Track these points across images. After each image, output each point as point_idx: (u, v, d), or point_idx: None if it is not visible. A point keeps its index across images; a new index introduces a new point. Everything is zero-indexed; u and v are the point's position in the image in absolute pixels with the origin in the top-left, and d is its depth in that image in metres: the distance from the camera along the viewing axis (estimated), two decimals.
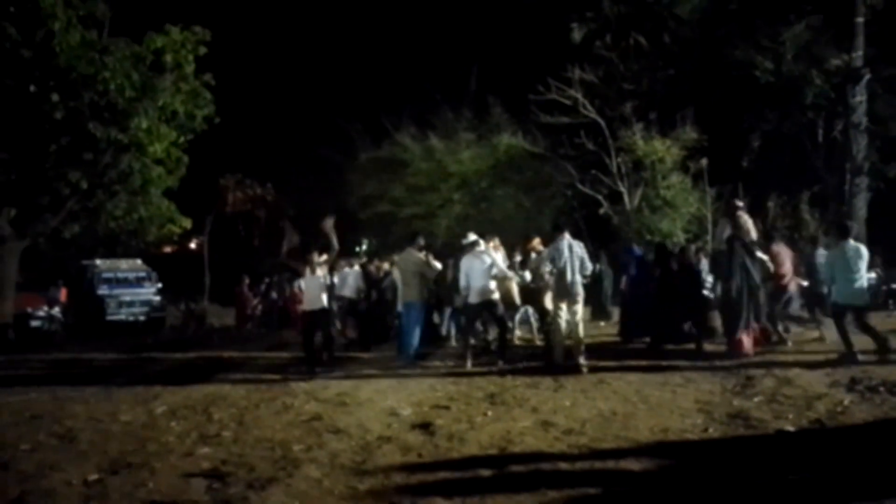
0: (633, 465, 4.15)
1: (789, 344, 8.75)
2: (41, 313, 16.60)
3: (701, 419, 5.23)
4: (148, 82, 13.61)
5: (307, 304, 9.01)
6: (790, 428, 4.89)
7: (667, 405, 5.75)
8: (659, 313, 9.15)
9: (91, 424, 5.86)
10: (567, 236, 8.21)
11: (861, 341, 7.48)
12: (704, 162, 18.16)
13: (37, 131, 13.35)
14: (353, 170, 24.20)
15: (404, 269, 9.12)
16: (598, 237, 19.32)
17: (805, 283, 9.78)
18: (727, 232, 8.36)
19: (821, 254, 10.00)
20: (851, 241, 7.73)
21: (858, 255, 7.55)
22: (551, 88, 18.50)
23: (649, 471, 4.08)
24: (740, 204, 8.70)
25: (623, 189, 19.05)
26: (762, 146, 19.31)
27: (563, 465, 4.21)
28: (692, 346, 8.76)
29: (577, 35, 20.14)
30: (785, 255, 9.19)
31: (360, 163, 23.93)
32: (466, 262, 8.62)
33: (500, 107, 21.94)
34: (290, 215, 32.58)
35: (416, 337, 8.87)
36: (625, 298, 10.82)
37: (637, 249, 10.30)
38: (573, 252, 8.07)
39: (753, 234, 8.34)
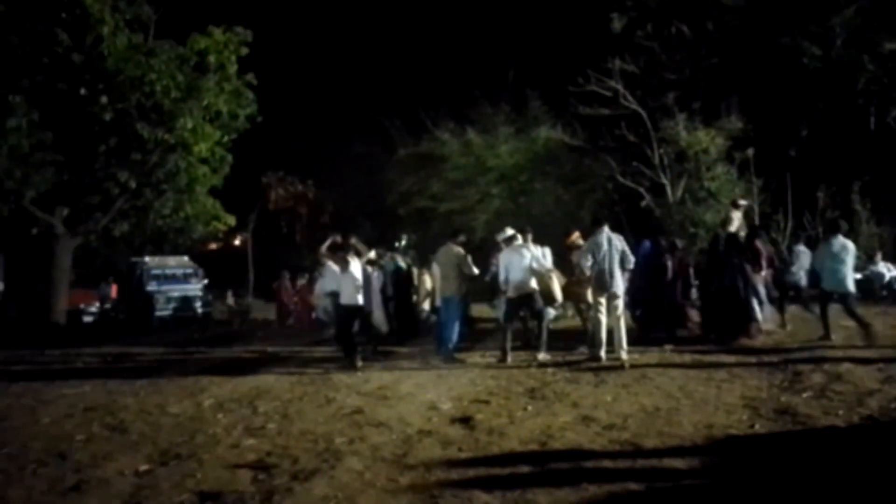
0: (676, 461, 4.09)
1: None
2: (93, 309, 17.15)
3: (747, 415, 5.12)
4: (192, 83, 13.95)
5: (344, 300, 9.12)
6: (840, 424, 4.75)
7: (711, 401, 5.64)
8: (709, 304, 9.46)
9: (142, 416, 6.06)
10: (606, 230, 8.12)
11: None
12: (750, 152, 17.71)
13: (87, 133, 13.82)
14: (392, 166, 24.36)
15: (443, 263, 9.13)
16: (640, 230, 19.04)
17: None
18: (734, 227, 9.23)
19: (801, 250, 10.62)
20: (840, 237, 8.75)
21: (845, 249, 8.62)
22: (591, 80, 18.30)
23: (694, 468, 4.01)
24: (742, 203, 9.64)
25: (665, 181, 18.73)
26: (810, 135, 18.73)
27: (605, 462, 4.17)
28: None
29: (617, 25, 19.86)
30: (763, 250, 9.80)
31: (399, 159, 24.07)
32: (505, 257, 8.61)
33: (539, 100, 21.80)
34: (330, 211, 33.05)
35: (454, 331, 8.89)
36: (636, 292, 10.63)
37: (646, 243, 10.15)
38: (613, 246, 7.97)
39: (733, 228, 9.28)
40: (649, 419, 5.12)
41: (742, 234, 9.49)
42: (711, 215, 18.14)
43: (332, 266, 9.76)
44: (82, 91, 13.23)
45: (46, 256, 14.70)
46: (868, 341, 8.05)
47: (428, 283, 11.14)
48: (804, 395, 5.71)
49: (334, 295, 10.82)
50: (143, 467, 4.43)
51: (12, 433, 5.58)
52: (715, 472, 3.98)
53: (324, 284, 12.32)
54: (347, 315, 9.01)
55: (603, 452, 4.34)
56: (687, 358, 7.96)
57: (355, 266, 8.98)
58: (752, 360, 7.57)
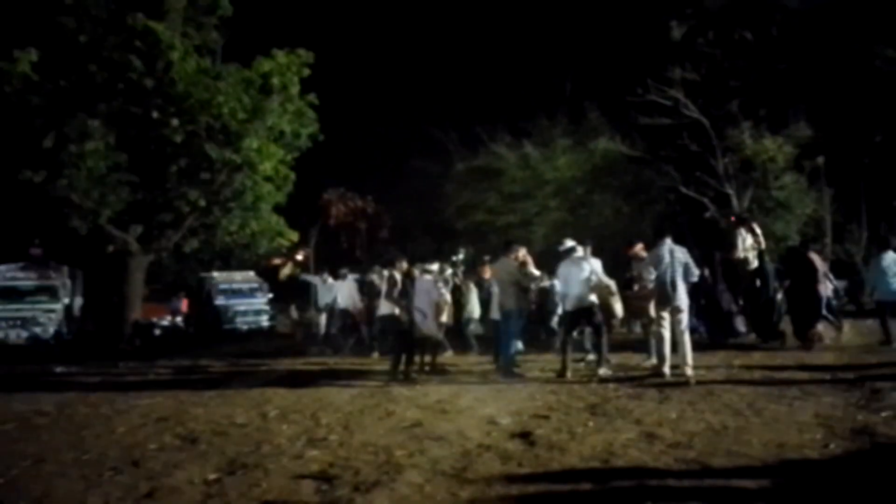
0: (746, 482, 3.93)
1: None
2: (164, 322, 17.84)
3: (821, 434, 4.89)
4: (257, 104, 14.43)
5: (383, 309, 9.62)
6: None
7: (783, 419, 5.41)
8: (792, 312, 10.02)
9: (210, 426, 6.25)
10: (669, 241, 7.93)
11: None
12: (821, 160, 17.02)
13: (159, 154, 14.47)
14: (449, 180, 24.52)
15: (501, 278, 9.11)
16: (705, 242, 18.51)
17: None
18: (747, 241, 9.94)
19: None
20: (891, 252, 9.70)
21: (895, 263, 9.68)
22: (650, 89, 17.99)
23: (764, 488, 3.86)
24: (745, 217, 10.36)
25: (731, 191, 18.20)
26: (885, 141, 17.84)
27: (670, 481, 4.05)
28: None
29: (676, 33, 19.50)
30: (818, 264, 10.32)
31: (456, 173, 24.21)
32: (564, 269, 8.52)
33: (597, 111, 21.57)
34: (388, 226, 33.49)
35: (513, 346, 8.84)
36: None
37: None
38: (675, 258, 7.78)
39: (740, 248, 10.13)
40: (716, 437, 4.95)
41: (751, 255, 10.02)
42: (781, 226, 17.49)
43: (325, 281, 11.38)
44: (154, 114, 13.87)
45: (121, 272, 15.42)
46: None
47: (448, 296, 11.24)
48: (883, 414, 5.41)
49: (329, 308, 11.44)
50: (212, 476, 4.56)
51: (91, 441, 5.86)
52: (787, 493, 3.82)
53: (320, 298, 12.74)
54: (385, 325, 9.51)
55: (668, 471, 4.22)
56: (756, 374, 7.67)
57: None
58: (827, 376, 7.24)
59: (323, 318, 13.14)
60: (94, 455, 5.32)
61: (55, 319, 13.94)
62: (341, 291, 12.36)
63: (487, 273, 11.10)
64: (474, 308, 11.56)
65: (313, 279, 14.11)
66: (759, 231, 10.17)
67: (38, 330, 13.64)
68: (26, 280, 14.86)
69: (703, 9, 19.41)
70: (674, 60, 18.05)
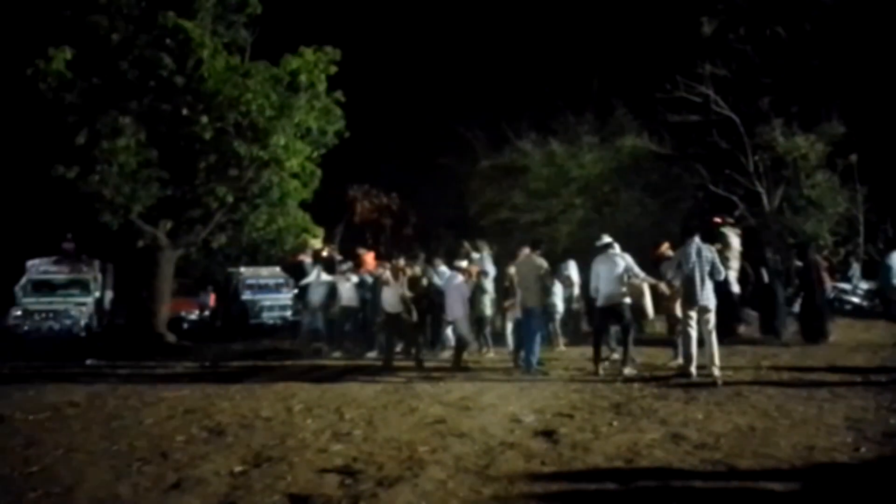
0: (774, 484, 3.87)
1: None
2: (193, 317, 18.10)
3: (851, 437, 4.79)
4: (285, 102, 14.54)
5: (389, 308, 9.84)
6: None
7: (812, 421, 5.32)
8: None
9: (236, 419, 6.34)
10: (696, 240, 7.84)
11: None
12: (854, 158, 16.63)
13: (188, 151, 14.66)
14: (474, 177, 24.45)
15: (525, 274, 9.08)
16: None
17: None
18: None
19: None
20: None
21: None
22: (680, 86, 17.73)
23: (793, 491, 3.79)
24: (717, 220, 10.25)
25: (761, 189, 17.88)
26: None
27: (696, 482, 4.01)
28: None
29: (707, 28, 19.15)
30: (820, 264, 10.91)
31: (481, 170, 24.13)
32: (597, 265, 8.47)
33: (624, 107, 21.32)
34: (413, 223, 33.58)
35: (537, 343, 8.81)
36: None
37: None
38: (702, 257, 7.69)
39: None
40: (744, 439, 4.88)
41: (733, 256, 10.07)
42: (812, 225, 17.15)
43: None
44: (184, 111, 14.05)
45: (151, 267, 15.66)
46: None
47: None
48: None
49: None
50: (238, 468, 4.63)
51: (120, 432, 5.98)
52: (815, 496, 3.76)
53: (311, 294, 12.46)
54: (390, 322, 9.88)
55: (693, 472, 4.17)
56: (785, 375, 7.54)
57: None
58: (858, 378, 7.08)
59: (311, 317, 12.67)
60: (123, 446, 5.43)
61: (86, 312, 14.22)
62: (344, 288, 12.17)
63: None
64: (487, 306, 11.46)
65: (313, 270, 13.47)
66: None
67: (69, 322, 13.93)
68: (59, 274, 15.19)
69: (734, 4, 19.07)
70: (704, 56, 17.76)
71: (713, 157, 18.11)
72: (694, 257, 7.68)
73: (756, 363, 8.52)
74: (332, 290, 12.25)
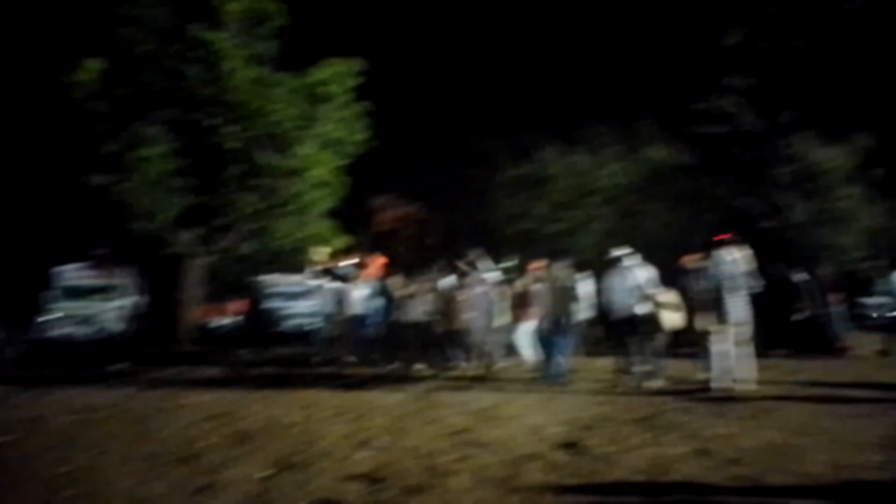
0: (802, 501, 3.82)
1: None
2: (222, 322, 18.29)
3: (884, 456, 4.70)
4: (310, 112, 14.75)
5: (414, 318, 10.25)
6: None
7: (843, 438, 5.22)
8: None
9: (262, 425, 6.40)
10: (724, 252, 7.77)
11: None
12: (880, 172, 16.37)
13: (216, 160, 14.92)
14: (497, 187, 24.49)
15: (552, 286, 9.06)
16: (759, 254, 17.98)
17: None
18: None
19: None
20: None
21: None
22: (705, 97, 17.62)
23: None
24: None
25: (788, 202, 17.63)
26: None
27: (723, 497, 3.96)
28: None
29: (732, 40, 19.03)
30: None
31: (504, 180, 24.17)
32: (609, 279, 8.47)
33: (649, 119, 21.24)
34: (436, 232, 33.67)
35: (563, 355, 8.78)
36: None
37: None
38: (731, 269, 7.61)
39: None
40: (774, 455, 4.81)
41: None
42: (844, 238, 16.88)
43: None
44: (212, 122, 14.33)
45: (180, 273, 15.92)
46: None
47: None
48: None
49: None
50: (264, 473, 4.68)
51: (150, 435, 6.07)
52: None
53: (324, 306, 12.37)
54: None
55: (721, 487, 4.12)
56: (816, 391, 7.42)
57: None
58: (893, 395, 6.94)
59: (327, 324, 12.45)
60: (153, 448, 5.51)
61: (118, 317, 14.44)
62: (352, 296, 12.02)
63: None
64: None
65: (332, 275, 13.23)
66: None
67: (101, 327, 14.16)
68: (91, 279, 15.45)
69: (760, 15, 18.93)
70: (729, 67, 17.65)
71: (739, 169, 17.95)
72: (721, 269, 7.61)
73: (786, 378, 8.39)
74: (341, 298, 12.22)
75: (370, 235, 32.23)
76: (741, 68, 17.53)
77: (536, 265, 10.15)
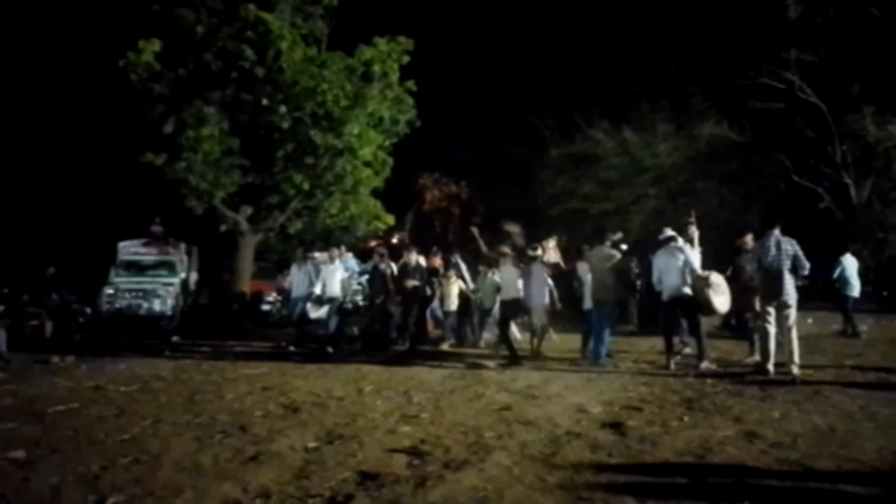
0: (854, 488, 3.73)
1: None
2: (271, 298, 18.73)
3: None
4: (359, 91, 14.81)
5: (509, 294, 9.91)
6: None
7: None
8: None
9: (310, 398, 6.60)
10: (776, 233, 7.55)
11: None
12: None
13: (268, 139, 15.18)
14: (544, 166, 24.23)
15: (597, 266, 8.97)
16: (818, 235, 17.38)
17: None
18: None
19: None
20: None
21: None
22: (762, 72, 16.99)
23: (875, 496, 3.65)
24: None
25: (849, 180, 16.99)
26: None
27: (771, 481, 3.90)
28: None
29: (793, 12, 18.23)
30: None
31: (551, 159, 23.89)
32: (660, 259, 8.34)
33: (702, 95, 20.60)
34: (482, 211, 33.58)
35: (607, 336, 8.72)
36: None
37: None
38: (781, 250, 7.41)
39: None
40: (823, 440, 4.70)
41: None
42: None
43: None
44: (264, 101, 14.54)
45: (232, 250, 16.35)
46: None
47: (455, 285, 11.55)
48: None
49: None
50: (311, 444, 4.83)
51: (203, 406, 6.33)
52: None
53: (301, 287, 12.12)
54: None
55: (768, 471, 4.06)
56: (871, 376, 7.19)
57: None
58: None
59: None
60: (206, 418, 5.75)
61: (173, 292, 14.94)
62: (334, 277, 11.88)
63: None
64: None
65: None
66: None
67: (157, 301, 14.70)
68: (147, 255, 15.99)
69: None
70: (790, 41, 16.93)
71: (797, 147, 17.33)
72: (773, 250, 7.42)
73: (839, 362, 8.16)
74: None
75: (416, 215, 32.39)
76: (800, 42, 16.79)
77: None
